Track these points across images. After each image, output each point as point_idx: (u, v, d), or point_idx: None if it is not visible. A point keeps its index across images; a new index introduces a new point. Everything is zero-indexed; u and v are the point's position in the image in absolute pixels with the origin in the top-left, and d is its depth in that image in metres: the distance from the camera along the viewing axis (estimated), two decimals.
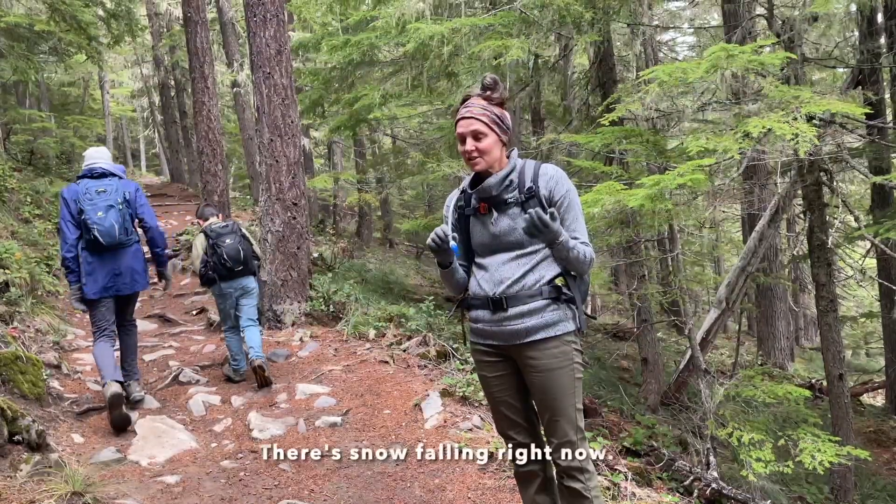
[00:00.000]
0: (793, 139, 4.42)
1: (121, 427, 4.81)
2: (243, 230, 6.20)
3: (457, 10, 9.77)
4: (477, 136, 2.58)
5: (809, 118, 5.11)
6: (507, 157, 2.67)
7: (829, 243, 5.96)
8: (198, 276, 6.22)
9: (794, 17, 5.68)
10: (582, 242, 2.56)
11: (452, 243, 2.58)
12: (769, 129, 4.55)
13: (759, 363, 11.11)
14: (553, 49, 9.37)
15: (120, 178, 5.29)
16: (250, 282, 6.15)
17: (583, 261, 2.54)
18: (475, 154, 2.59)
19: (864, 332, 19.08)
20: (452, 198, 2.83)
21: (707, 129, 6.76)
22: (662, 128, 7.85)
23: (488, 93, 2.64)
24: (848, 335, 17.88)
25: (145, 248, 5.45)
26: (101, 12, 12.45)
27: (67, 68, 16.31)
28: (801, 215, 7.43)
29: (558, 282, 2.61)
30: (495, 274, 2.62)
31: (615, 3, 6.76)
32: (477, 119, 2.58)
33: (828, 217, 6.75)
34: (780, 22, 6.17)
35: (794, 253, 8.21)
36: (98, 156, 5.41)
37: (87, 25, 10.69)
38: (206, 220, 6.23)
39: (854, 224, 6.48)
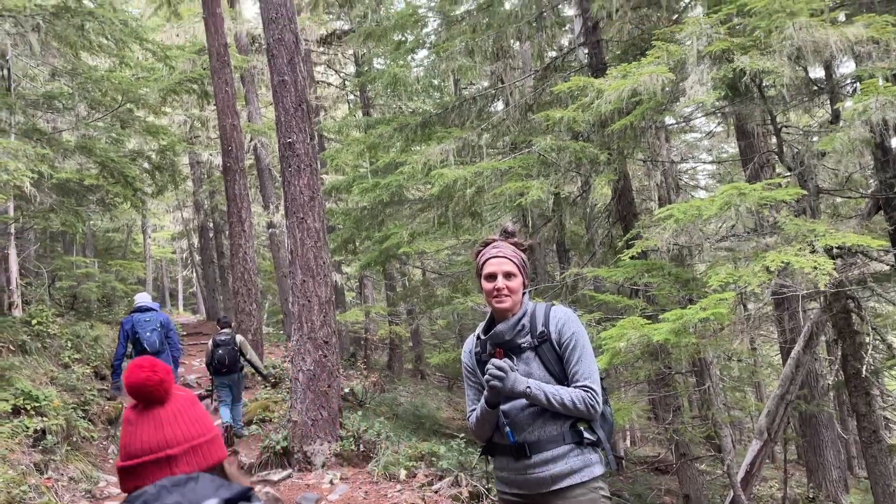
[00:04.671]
0: (812, 272, 4.48)
1: None
2: (237, 342, 9.43)
3: (479, 151, 10.29)
4: (508, 275, 2.65)
5: (829, 249, 5.19)
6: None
7: (864, 372, 5.85)
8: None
9: (802, 153, 5.90)
10: (581, 386, 2.55)
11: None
12: (787, 263, 4.62)
13: (810, 497, 10.53)
14: (573, 185, 9.73)
15: (157, 311, 8.11)
16: (234, 377, 9.35)
17: (572, 408, 2.52)
18: (505, 292, 2.65)
19: None
20: (469, 343, 2.89)
21: (727, 259, 6.84)
22: (685, 256, 7.97)
23: (514, 239, 2.78)
24: None
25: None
26: (146, 165, 13.30)
27: (113, 217, 17.20)
28: (835, 342, 7.32)
29: (580, 425, 2.59)
30: (516, 420, 2.62)
31: (629, 145, 7.09)
32: (510, 259, 2.67)
33: (863, 342, 6.65)
34: (791, 156, 6.39)
35: (832, 382, 7.99)
36: (144, 298, 8.35)
37: (133, 179, 11.41)
38: (222, 328, 9.56)
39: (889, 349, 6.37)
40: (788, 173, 6.48)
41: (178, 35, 20.08)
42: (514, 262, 2.69)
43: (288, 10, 9.11)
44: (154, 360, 1.53)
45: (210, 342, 9.46)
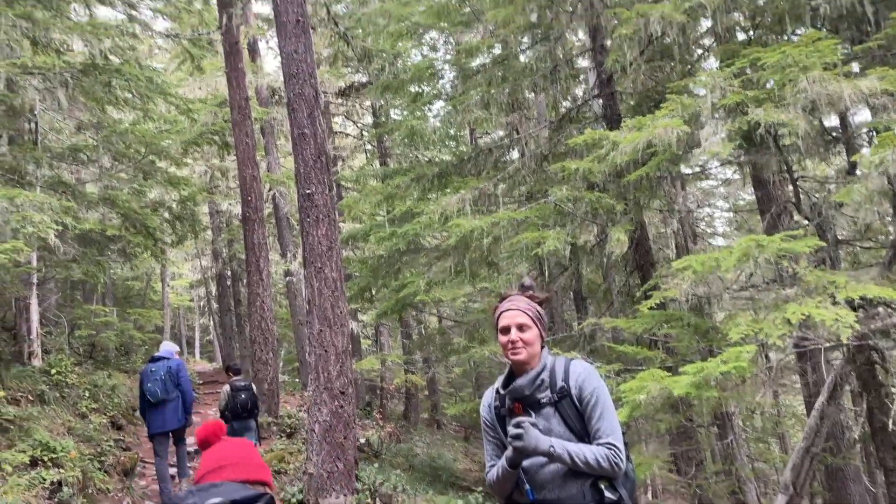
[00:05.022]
0: (833, 324, 4.44)
1: None
2: (253, 389, 9.63)
3: (495, 200, 10.36)
4: (522, 327, 2.64)
5: (850, 300, 5.14)
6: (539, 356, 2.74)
7: (891, 425, 5.72)
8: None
9: (820, 203, 5.90)
10: (605, 443, 2.52)
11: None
12: (808, 315, 4.58)
13: None
14: (589, 232, 9.75)
15: (168, 359, 8.36)
16: (251, 423, 9.49)
17: (596, 466, 2.48)
18: (519, 344, 2.63)
19: None
20: (488, 397, 2.85)
21: (747, 307, 6.78)
22: (704, 305, 7.91)
23: (529, 292, 2.78)
24: None
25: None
26: (167, 215, 13.51)
27: (133, 266, 17.42)
28: (860, 394, 7.18)
29: (601, 483, 2.54)
30: (536, 478, 2.58)
31: (645, 195, 7.12)
32: (523, 312, 2.66)
33: (888, 394, 6.52)
34: (809, 206, 6.38)
35: (858, 434, 7.81)
36: (163, 347, 8.72)
37: (154, 230, 11.59)
38: (235, 374, 9.72)
39: None
40: (807, 223, 6.45)
41: (200, 88, 20.59)
42: (528, 315, 2.68)
43: (308, 65, 9.33)
44: (213, 424, 2.29)
45: (226, 388, 9.62)
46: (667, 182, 7.99)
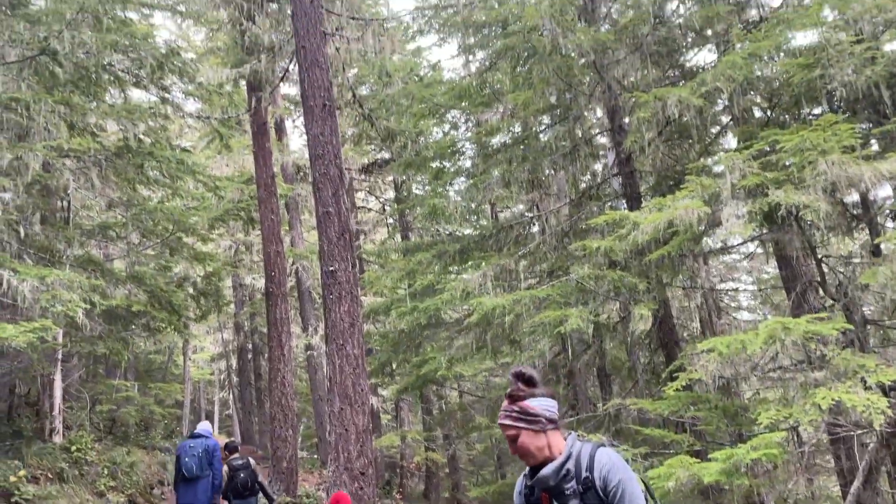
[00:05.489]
0: (865, 410, 4.33)
1: None
2: (252, 465, 9.41)
3: (516, 275, 10.39)
4: (514, 438, 2.65)
5: (881, 384, 5.02)
6: (566, 440, 2.71)
7: None
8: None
9: (845, 284, 5.85)
10: None
11: None
12: (839, 401, 4.48)
13: None
14: (612, 310, 9.68)
15: (207, 438, 8.87)
16: (252, 501, 9.36)
17: None
18: (520, 453, 2.65)
19: None
20: (519, 484, 2.83)
21: (775, 385, 6.65)
22: (731, 386, 7.75)
23: (513, 387, 2.75)
24: None
25: None
26: (191, 290, 13.68)
27: (156, 341, 17.53)
28: None
29: None
30: None
31: (668, 273, 7.10)
32: (504, 425, 2.67)
33: None
34: (835, 286, 6.32)
35: None
36: (201, 426, 9.17)
37: (178, 307, 11.72)
38: (232, 453, 9.54)
39: None
40: (833, 302, 6.38)
41: (227, 165, 21.16)
42: (508, 423, 2.67)
43: (334, 146, 9.60)
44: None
45: (225, 468, 9.68)
46: (689, 259, 7.98)
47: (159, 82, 11.12)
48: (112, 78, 10.10)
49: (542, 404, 2.69)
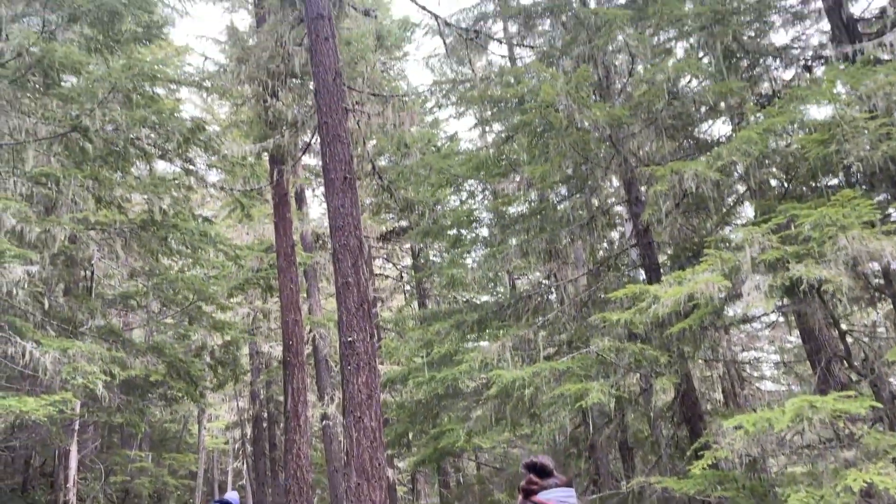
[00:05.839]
0: None
1: None
2: None
3: (535, 345, 10.30)
4: None
5: None
6: None
7: None
8: None
9: (871, 359, 5.75)
10: None
11: None
12: (871, 483, 4.36)
13: None
14: (633, 382, 9.55)
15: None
16: None
17: None
18: None
19: None
20: None
21: (805, 462, 6.45)
22: (758, 463, 7.54)
23: (525, 481, 2.71)
24: None
25: None
26: (208, 359, 13.69)
27: (172, 411, 17.48)
28: None
29: None
30: None
31: (690, 347, 7.04)
32: None
33: None
34: (861, 360, 6.22)
35: None
36: (229, 496, 9.55)
37: (196, 377, 11.73)
38: None
39: None
40: (859, 377, 6.27)
41: (247, 233, 21.47)
42: None
43: (354, 218, 9.74)
44: None
45: None
46: (711, 331, 7.90)
47: (184, 155, 11.44)
48: (139, 152, 10.40)
49: (557, 496, 2.64)
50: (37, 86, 10.11)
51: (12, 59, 9.14)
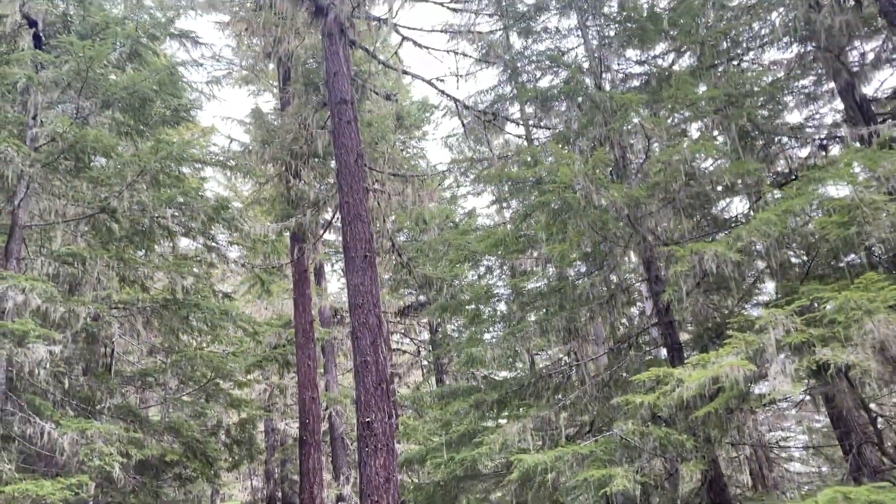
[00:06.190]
0: None
1: None
2: None
3: (557, 426, 10.11)
4: None
5: None
6: None
7: None
8: None
9: None
10: None
11: None
12: None
13: None
14: (658, 466, 9.29)
15: None
16: None
17: None
18: None
19: None
20: None
21: None
22: None
23: None
24: None
25: None
26: (224, 438, 13.55)
27: (186, 492, 17.19)
28: None
29: None
30: None
31: (716, 431, 6.88)
32: None
33: None
34: (893, 446, 6.03)
35: None
36: None
37: (212, 457, 11.59)
38: None
39: None
40: (892, 464, 6.07)
41: (266, 308, 21.59)
42: None
43: (373, 296, 9.79)
44: None
45: None
46: (737, 413, 7.73)
47: (208, 233, 11.66)
48: (164, 231, 10.62)
49: None
50: (68, 168, 10.45)
51: (45, 143, 9.48)
